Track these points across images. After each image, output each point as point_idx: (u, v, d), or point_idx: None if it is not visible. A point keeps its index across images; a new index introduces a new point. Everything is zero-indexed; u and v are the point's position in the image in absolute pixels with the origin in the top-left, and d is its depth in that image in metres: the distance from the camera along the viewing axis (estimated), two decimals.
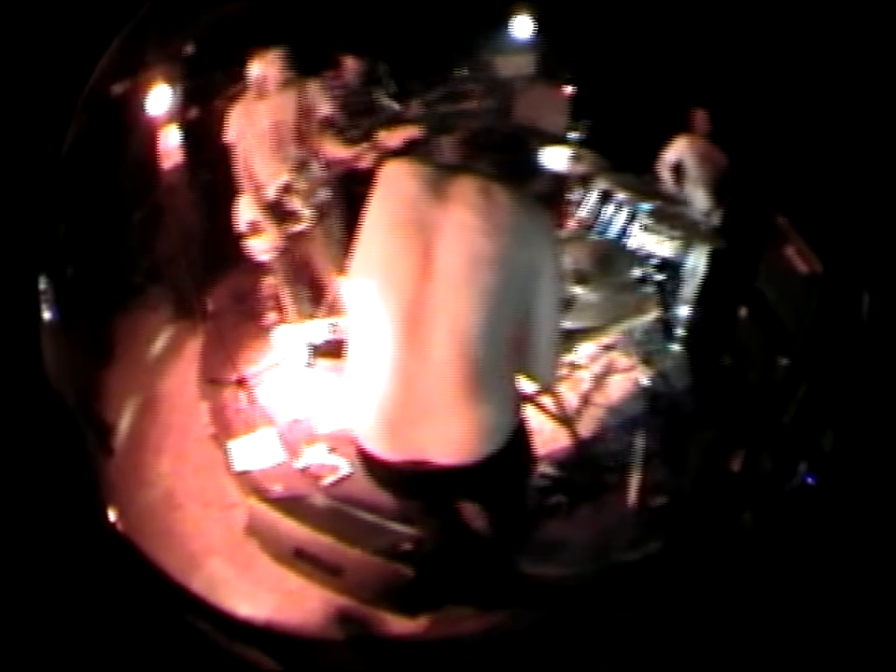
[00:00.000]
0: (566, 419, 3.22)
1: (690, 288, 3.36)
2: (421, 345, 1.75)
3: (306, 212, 3.54)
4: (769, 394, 2.99)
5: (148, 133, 3.44)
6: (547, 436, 3.23)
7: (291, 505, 2.88)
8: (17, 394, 1.93)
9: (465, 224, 1.77)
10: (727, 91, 3.18)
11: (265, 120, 3.46)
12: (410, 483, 1.98)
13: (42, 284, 2.32)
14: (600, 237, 3.34)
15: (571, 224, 3.45)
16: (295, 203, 3.54)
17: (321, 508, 2.89)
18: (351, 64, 3.91)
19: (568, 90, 3.96)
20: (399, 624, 2.59)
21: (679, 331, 3.44)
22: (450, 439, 1.81)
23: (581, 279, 2.99)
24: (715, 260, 3.26)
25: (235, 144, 3.51)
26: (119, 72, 2.86)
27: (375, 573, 2.57)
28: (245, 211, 3.63)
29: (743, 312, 3.18)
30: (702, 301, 3.32)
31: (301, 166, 3.50)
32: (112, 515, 2.36)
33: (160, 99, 3.38)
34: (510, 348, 1.84)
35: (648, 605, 2.42)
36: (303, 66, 3.46)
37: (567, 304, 2.84)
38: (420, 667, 2.54)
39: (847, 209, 2.43)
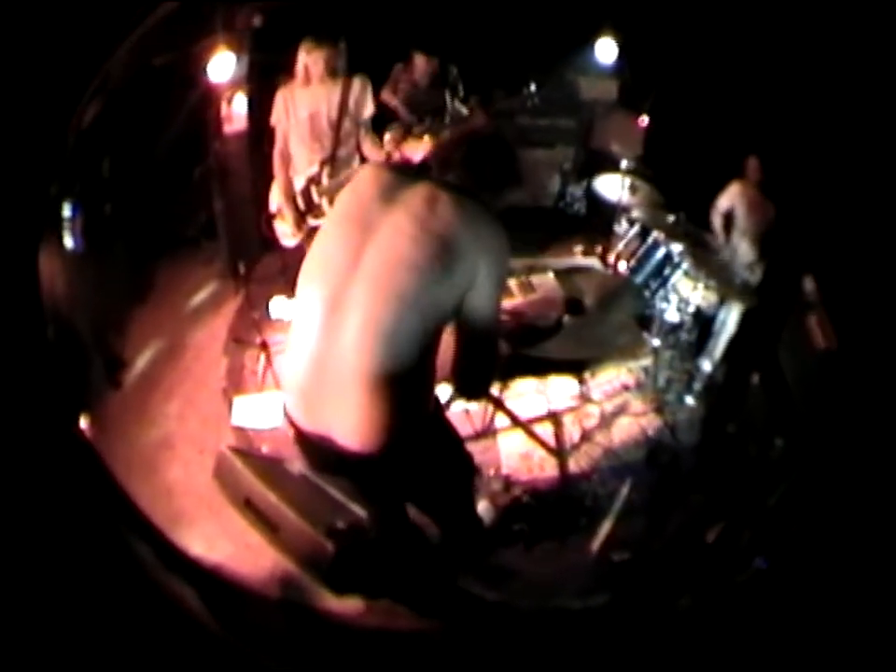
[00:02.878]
0: (558, 451, 3.31)
1: (716, 343, 3.32)
2: (335, 332, 1.94)
3: (328, 207, 3.65)
4: (762, 471, 2.93)
5: (213, 92, 3.68)
6: (534, 462, 3.32)
7: (261, 462, 3.11)
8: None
9: (398, 228, 1.93)
10: (782, 145, 3.10)
11: (304, 110, 3.62)
12: (321, 456, 2.17)
13: (67, 211, 2.65)
14: (634, 274, 3.40)
15: (610, 257, 3.51)
16: (319, 197, 3.69)
17: (292, 474, 3.11)
18: (420, 63, 4.05)
19: (643, 120, 3.98)
20: (334, 603, 2.71)
21: (698, 386, 3.41)
22: (349, 424, 1.98)
23: (575, 309, 3.01)
24: (746, 319, 3.19)
25: (275, 127, 3.70)
26: (187, 27, 3.10)
27: (304, 540, 2.71)
28: (275, 194, 3.83)
29: (756, 379, 3.10)
30: (726, 359, 3.27)
31: (333, 161, 3.62)
32: (89, 431, 2.57)
33: (224, 63, 3.56)
34: (430, 353, 1.98)
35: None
36: (359, 62, 3.59)
37: (552, 331, 2.89)
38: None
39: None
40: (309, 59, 3.52)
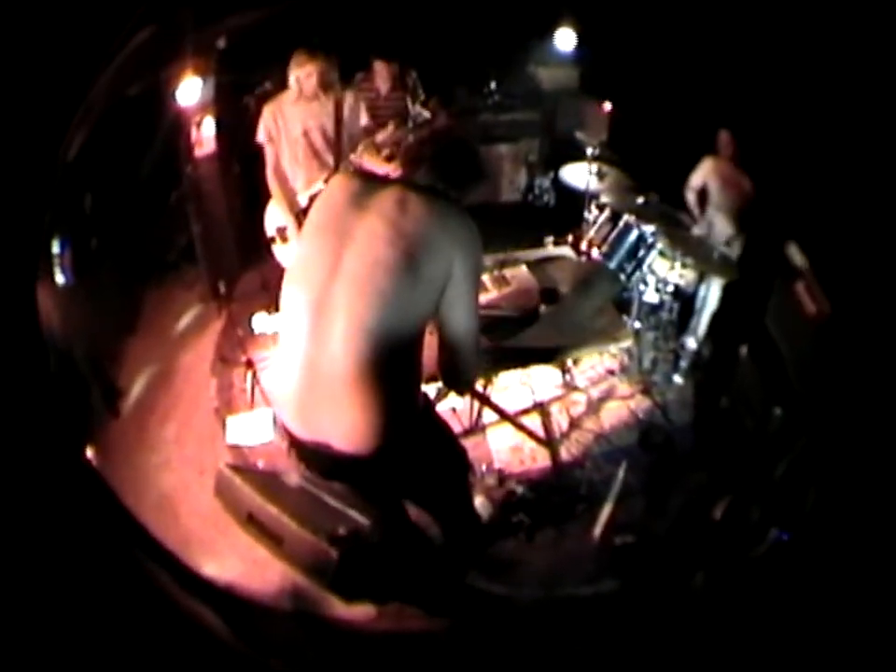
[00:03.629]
0: (548, 441, 3.34)
1: (700, 320, 3.36)
2: (323, 337, 2.02)
3: None
4: (764, 443, 2.97)
5: (182, 117, 3.65)
6: (526, 454, 3.38)
7: (259, 476, 3.17)
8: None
9: (373, 232, 2.02)
10: (756, 118, 3.13)
11: (297, 127, 3.55)
12: (320, 462, 2.24)
13: (56, 248, 2.67)
14: (608, 259, 3.44)
15: (582, 244, 3.56)
16: None
17: (290, 486, 3.17)
18: (381, 69, 4.00)
19: (607, 106, 4.00)
20: (344, 610, 2.76)
21: (685, 363, 3.45)
22: (344, 426, 2.06)
23: (549, 298, 3.06)
24: (728, 293, 3.23)
25: (266, 146, 3.61)
26: (157, 53, 3.04)
27: (308, 549, 2.75)
28: (275, 216, 3.74)
29: (745, 351, 3.13)
30: (711, 334, 3.30)
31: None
32: (94, 460, 2.61)
33: (192, 88, 3.53)
34: (415, 349, 2.08)
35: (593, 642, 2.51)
36: (343, 74, 3.56)
37: (528, 321, 2.93)
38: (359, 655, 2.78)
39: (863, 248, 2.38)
40: (301, 73, 3.45)
